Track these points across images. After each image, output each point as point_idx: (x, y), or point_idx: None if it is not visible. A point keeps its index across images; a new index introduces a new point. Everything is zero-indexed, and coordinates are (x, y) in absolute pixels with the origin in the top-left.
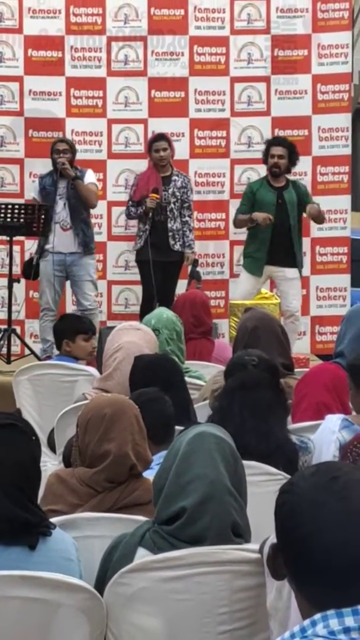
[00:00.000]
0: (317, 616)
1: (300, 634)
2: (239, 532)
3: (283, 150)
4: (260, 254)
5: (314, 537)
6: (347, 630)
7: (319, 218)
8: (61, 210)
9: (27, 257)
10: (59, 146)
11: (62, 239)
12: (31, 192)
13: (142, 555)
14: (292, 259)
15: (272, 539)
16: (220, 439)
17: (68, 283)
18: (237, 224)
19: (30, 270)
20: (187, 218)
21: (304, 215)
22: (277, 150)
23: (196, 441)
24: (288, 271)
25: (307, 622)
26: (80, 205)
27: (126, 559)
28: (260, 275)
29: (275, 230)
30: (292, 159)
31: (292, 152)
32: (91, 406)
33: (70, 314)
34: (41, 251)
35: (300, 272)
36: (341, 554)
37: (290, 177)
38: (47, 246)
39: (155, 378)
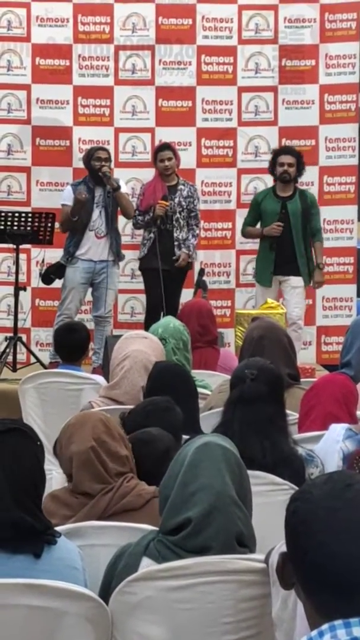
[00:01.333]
0: (325, 626)
1: None
2: (244, 542)
3: (292, 158)
4: (266, 264)
5: (327, 546)
6: None
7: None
8: (97, 218)
9: (33, 265)
10: (100, 154)
11: (95, 247)
12: (62, 200)
13: (147, 565)
14: (296, 268)
15: (278, 548)
16: (226, 449)
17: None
18: (247, 235)
19: (57, 273)
20: (194, 227)
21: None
22: (287, 158)
23: (202, 451)
24: (293, 279)
25: (314, 632)
26: (115, 213)
27: (131, 569)
28: (270, 285)
29: (278, 240)
30: (300, 168)
31: (300, 161)
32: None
33: (75, 324)
34: (70, 257)
35: (305, 281)
36: (354, 563)
37: (299, 186)
38: (79, 252)
39: (169, 386)
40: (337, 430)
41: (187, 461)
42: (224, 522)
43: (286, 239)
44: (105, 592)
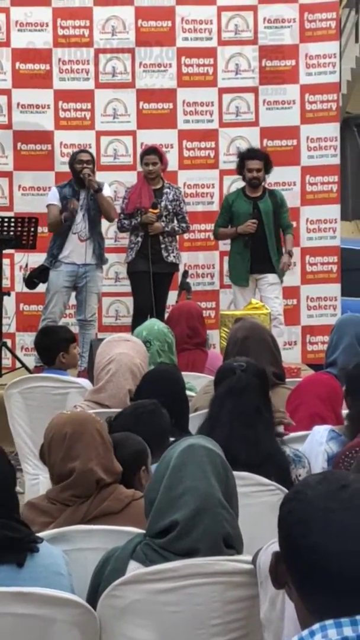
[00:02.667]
0: (316, 626)
1: None
2: (230, 544)
3: (259, 163)
4: (241, 264)
5: (322, 546)
6: None
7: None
8: (80, 221)
9: (17, 270)
10: (82, 157)
11: (78, 250)
12: (48, 200)
13: (134, 569)
14: (271, 266)
15: (265, 549)
16: (211, 450)
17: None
18: (220, 236)
19: (40, 277)
20: (183, 226)
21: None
22: (254, 164)
23: (187, 453)
24: (269, 276)
25: (305, 632)
26: (98, 217)
27: (118, 573)
28: (247, 285)
29: (252, 240)
30: (267, 169)
31: (267, 162)
32: (52, 425)
33: (50, 326)
34: (54, 260)
35: (280, 277)
36: (349, 563)
37: (267, 186)
38: (62, 255)
39: (163, 390)
40: (321, 432)
41: (172, 464)
42: (210, 524)
43: (260, 237)
44: (93, 596)
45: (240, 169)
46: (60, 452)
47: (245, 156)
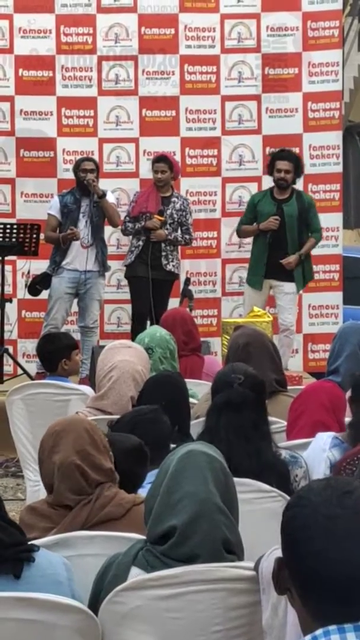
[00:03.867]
0: (319, 632)
1: None
2: (231, 550)
3: (289, 164)
4: (258, 267)
5: (326, 553)
6: None
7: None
8: (83, 228)
9: (19, 276)
10: (86, 165)
11: (80, 257)
12: (48, 209)
13: (136, 575)
14: (289, 274)
15: (267, 555)
16: (211, 456)
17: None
18: (242, 234)
19: (43, 283)
20: (185, 237)
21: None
22: (284, 165)
23: (186, 459)
24: (286, 286)
25: (308, 637)
26: (101, 224)
27: (119, 579)
28: (260, 289)
29: (272, 243)
30: (298, 171)
31: (298, 165)
32: (45, 432)
33: (53, 333)
34: (56, 267)
35: (298, 287)
36: (351, 570)
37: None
38: (64, 262)
39: (165, 396)
40: (324, 439)
41: (171, 469)
42: (209, 530)
43: (281, 241)
44: (95, 602)
45: (270, 169)
46: (47, 449)
47: (276, 156)
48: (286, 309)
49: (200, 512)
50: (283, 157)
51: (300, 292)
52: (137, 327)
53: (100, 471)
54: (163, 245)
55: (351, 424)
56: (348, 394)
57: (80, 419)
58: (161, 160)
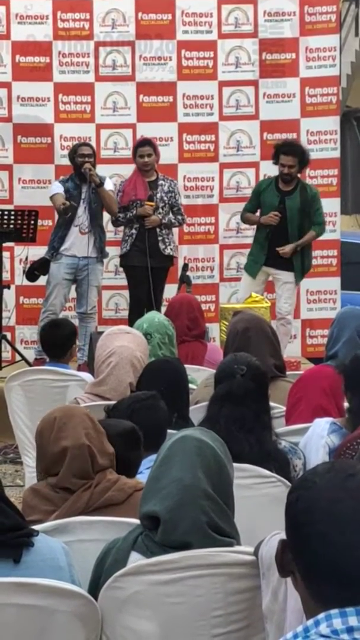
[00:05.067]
0: (321, 616)
1: (304, 633)
2: (223, 534)
3: (293, 160)
4: (258, 256)
5: (329, 535)
6: (350, 630)
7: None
8: (82, 214)
9: (17, 263)
10: (83, 150)
11: (79, 243)
12: (53, 192)
13: (136, 560)
14: (289, 263)
15: (267, 540)
16: (203, 442)
17: None
18: (245, 220)
19: (41, 269)
20: (179, 219)
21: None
22: (288, 160)
23: (176, 445)
24: (285, 274)
25: (310, 622)
26: (100, 210)
27: (119, 564)
28: (255, 277)
29: (274, 233)
30: (303, 165)
31: (302, 159)
32: (41, 420)
33: (58, 320)
34: (55, 253)
35: (297, 278)
36: (354, 553)
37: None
38: (62, 248)
39: (164, 381)
40: (322, 425)
41: (162, 455)
42: (194, 517)
43: (282, 233)
44: (94, 588)
45: (276, 160)
46: (51, 436)
47: (281, 150)
48: (283, 297)
49: (184, 499)
50: (287, 152)
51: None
52: (134, 314)
53: (105, 455)
54: (158, 230)
55: (349, 410)
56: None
57: (75, 406)
58: (146, 143)
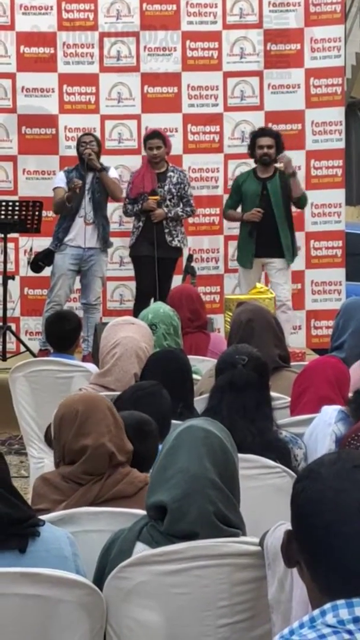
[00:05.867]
0: (327, 606)
1: (310, 623)
2: (231, 524)
3: (271, 140)
4: (247, 246)
5: (336, 525)
6: (356, 620)
7: (290, 174)
8: (86, 205)
9: (21, 254)
10: (84, 138)
11: (83, 233)
12: (55, 184)
13: (141, 550)
14: (279, 249)
15: (273, 531)
16: (209, 432)
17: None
18: (228, 217)
19: (45, 260)
20: (187, 210)
21: (292, 204)
22: (266, 140)
23: (183, 435)
24: (277, 261)
25: (316, 612)
26: (103, 200)
27: (124, 554)
28: (251, 267)
29: (261, 221)
30: (279, 147)
31: (279, 140)
32: (63, 405)
33: (66, 312)
34: (59, 243)
35: (288, 261)
36: None
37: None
38: (67, 239)
39: (168, 371)
40: (329, 412)
41: (169, 445)
42: (202, 506)
43: (269, 219)
44: (100, 578)
45: (252, 149)
46: (71, 430)
47: (257, 134)
48: (280, 284)
49: (191, 489)
50: (264, 134)
51: (302, 268)
52: (140, 305)
53: (123, 453)
54: (164, 222)
55: (350, 402)
56: (355, 366)
57: (98, 396)
58: (155, 135)
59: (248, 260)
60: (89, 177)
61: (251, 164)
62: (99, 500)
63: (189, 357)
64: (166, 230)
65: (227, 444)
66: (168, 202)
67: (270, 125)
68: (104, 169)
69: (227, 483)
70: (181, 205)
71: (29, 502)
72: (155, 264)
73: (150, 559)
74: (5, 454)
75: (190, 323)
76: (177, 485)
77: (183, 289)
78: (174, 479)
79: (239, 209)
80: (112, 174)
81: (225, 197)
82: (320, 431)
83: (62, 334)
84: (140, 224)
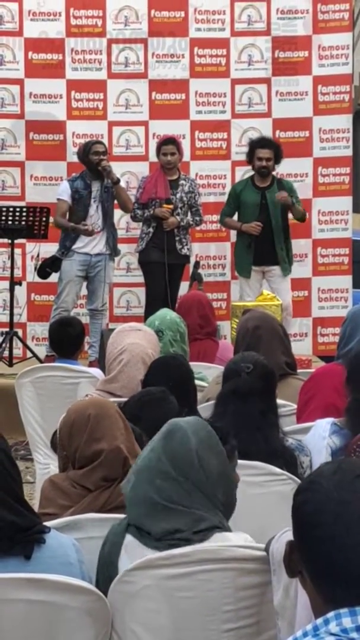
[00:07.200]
0: (331, 614)
1: (313, 632)
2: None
3: (269, 152)
4: (245, 255)
5: (338, 537)
6: (359, 629)
7: (291, 208)
8: (94, 213)
9: (29, 259)
10: (97, 148)
11: (91, 242)
12: (59, 195)
13: (130, 542)
14: (275, 257)
15: (278, 537)
16: (177, 427)
17: None
18: (226, 225)
19: (52, 267)
20: (196, 220)
21: (290, 217)
22: (265, 152)
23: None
24: (277, 268)
25: (320, 620)
26: (111, 208)
27: (115, 546)
28: (249, 277)
29: (255, 242)
30: (278, 158)
31: (278, 152)
32: (73, 410)
33: (69, 318)
34: (66, 250)
35: (284, 270)
36: None
37: (276, 175)
38: (75, 246)
39: (170, 378)
40: (323, 425)
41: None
42: (144, 495)
43: (266, 229)
44: (100, 579)
45: (250, 158)
46: (83, 435)
47: (256, 145)
48: (280, 290)
49: (141, 478)
50: (263, 145)
51: (309, 275)
52: (151, 311)
53: (133, 457)
54: (175, 230)
55: (347, 410)
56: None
57: (107, 401)
58: (169, 142)
59: (246, 269)
60: (96, 185)
61: None
62: (107, 507)
63: (197, 363)
64: (177, 238)
65: (204, 444)
66: (179, 210)
67: (278, 132)
68: (119, 180)
69: (195, 479)
70: (190, 214)
71: (36, 505)
72: (166, 270)
73: (155, 562)
74: None
75: (200, 329)
76: (131, 480)
77: (194, 295)
78: (135, 472)
79: (235, 217)
80: (122, 184)
81: None
82: (315, 445)
83: (66, 339)
84: (151, 229)
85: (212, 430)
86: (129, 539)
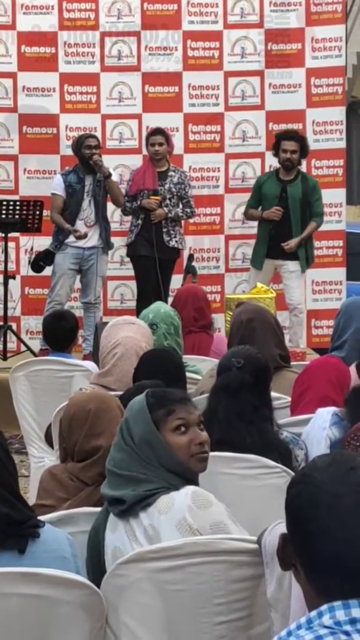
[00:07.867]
0: (324, 607)
1: (307, 624)
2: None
3: (296, 145)
4: (260, 247)
5: (331, 531)
6: (353, 622)
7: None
8: (87, 207)
9: (22, 253)
10: (89, 142)
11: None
12: (53, 189)
13: (114, 521)
14: (294, 253)
15: (270, 530)
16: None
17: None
18: (248, 217)
19: (45, 260)
20: (187, 211)
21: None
22: (290, 145)
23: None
24: (290, 264)
25: (313, 613)
26: (104, 202)
27: (100, 527)
28: (261, 269)
29: (277, 224)
30: (304, 152)
31: (304, 145)
32: (73, 403)
33: (64, 312)
34: (59, 244)
35: (302, 266)
36: (356, 547)
37: (302, 169)
38: (68, 240)
39: (160, 370)
40: (324, 416)
41: None
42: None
43: (284, 222)
44: (90, 565)
45: (276, 150)
46: (83, 429)
47: (282, 137)
48: (292, 287)
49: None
50: (289, 138)
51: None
52: (142, 305)
53: None
54: (163, 222)
55: (346, 401)
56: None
57: (108, 395)
58: (157, 133)
59: (259, 261)
60: (89, 179)
61: (252, 163)
62: (102, 502)
63: (191, 356)
64: (164, 230)
65: (132, 412)
66: (168, 202)
67: (271, 125)
68: (111, 175)
69: (133, 446)
70: (180, 205)
71: (34, 496)
72: (156, 264)
73: (147, 555)
74: None
75: (195, 322)
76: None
77: (190, 288)
78: None
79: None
80: (114, 177)
81: (227, 196)
82: (315, 436)
83: (60, 333)
84: (139, 221)
85: (144, 400)
86: (112, 518)
